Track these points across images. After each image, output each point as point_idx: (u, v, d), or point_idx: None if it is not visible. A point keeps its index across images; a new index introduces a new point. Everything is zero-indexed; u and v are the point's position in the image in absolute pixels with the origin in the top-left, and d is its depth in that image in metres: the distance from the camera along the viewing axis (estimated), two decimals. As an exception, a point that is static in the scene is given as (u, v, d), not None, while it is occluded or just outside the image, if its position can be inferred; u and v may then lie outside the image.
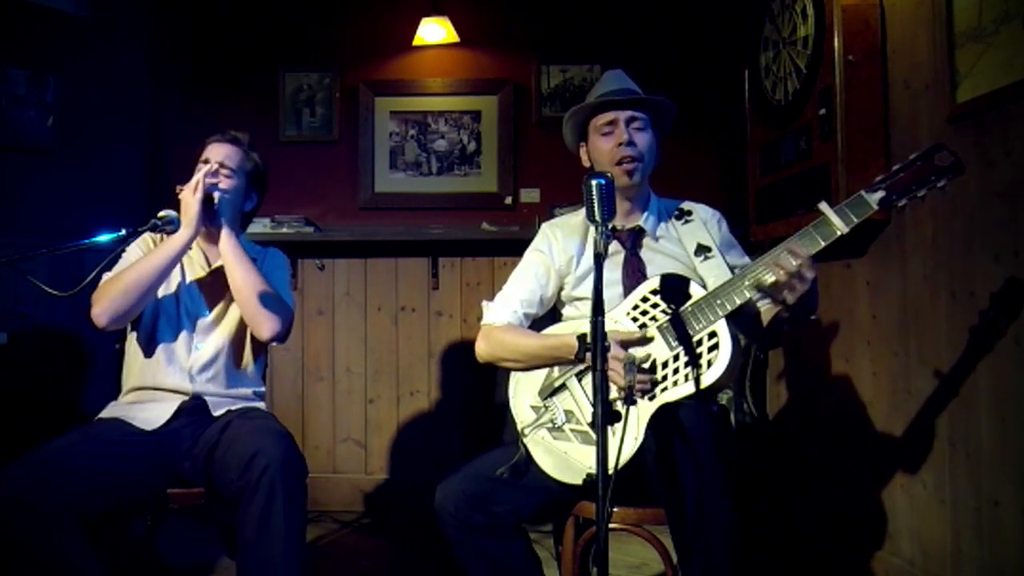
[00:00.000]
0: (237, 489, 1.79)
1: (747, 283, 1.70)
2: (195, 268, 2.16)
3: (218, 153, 2.14)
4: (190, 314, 2.12)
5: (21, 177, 3.04)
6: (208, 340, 2.10)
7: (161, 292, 2.10)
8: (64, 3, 3.16)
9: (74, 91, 3.18)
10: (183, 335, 2.09)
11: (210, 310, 2.13)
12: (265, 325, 2.03)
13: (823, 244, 1.65)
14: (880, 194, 1.62)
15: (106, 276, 2.03)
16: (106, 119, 3.31)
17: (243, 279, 2.04)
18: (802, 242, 1.66)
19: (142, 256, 2.07)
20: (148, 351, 2.08)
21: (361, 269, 3.58)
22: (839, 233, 1.64)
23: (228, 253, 2.06)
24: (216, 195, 2.06)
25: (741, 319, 1.78)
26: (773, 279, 1.66)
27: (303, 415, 3.55)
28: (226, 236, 2.07)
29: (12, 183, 3.01)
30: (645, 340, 1.76)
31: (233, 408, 2.05)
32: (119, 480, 1.83)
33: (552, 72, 3.61)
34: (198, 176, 2.05)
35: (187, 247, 2.04)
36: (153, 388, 2.05)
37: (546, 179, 3.59)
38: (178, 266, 2.12)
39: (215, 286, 2.13)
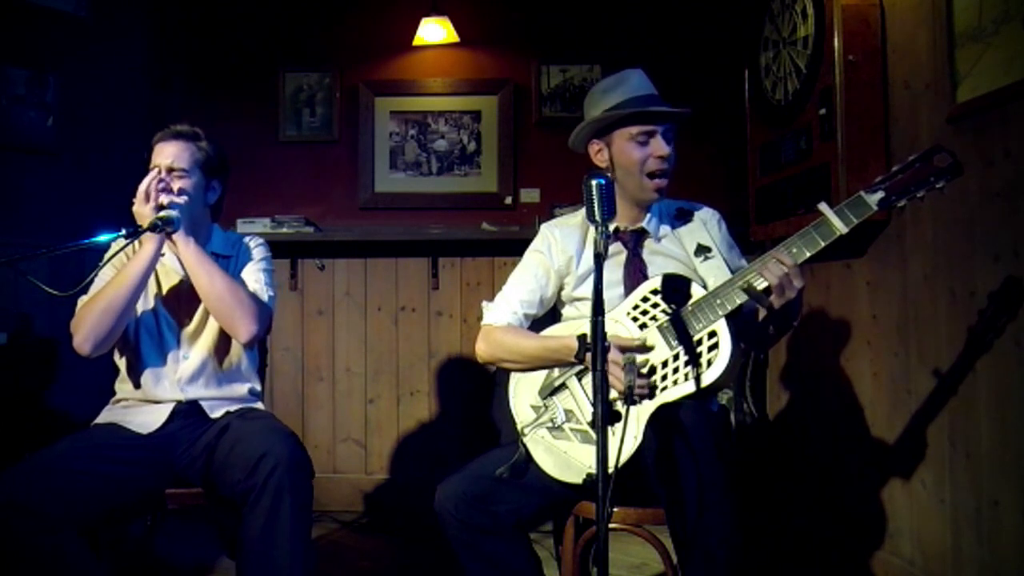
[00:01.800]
0: (243, 490, 1.77)
1: (737, 287, 1.70)
2: (170, 276, 2.09)
3: (165, 154, 2.03)
4: (171, 325, 2.06)
5: (21, 177, 3.04)
6: (194, 349, 2.05)
7: (139, 307, 2.04)
8: (64, 3, 3.16)
9: (74, 91, 3.18)
10: (168, 347, 2.05)
11: (191, 318, 2.07)
12: (240, 328, 1.96)
13: (823, 244, 1.66)
14: (879, 195, 1.63)
15: (81, 300, 1.98)
16: (106, 119, 3.31)
17: (208, 285, 1.95)
18: (802, 242, 1.67)
19: (114, 275, 1.98)
20: (135, 367, 2.04)
21: (361, 269, 3.58)
22: (838, 233, 1.64)
23: (189, 260, 1.97)
24: (167, 204, 1.95)
25: (740, 319, 1.78)
26: (764, 284, 1.67)
27: (303, 415, 3.55)
28: (183, 243, 1.96)
29: (12, 183, 3.01)
30: (645, 348, 1.76)
31: (232, 410, 2.03)
32: (117, 483, 1.82)
33: (552, 72, 3.61)
34: (146, 184, 1.95)
35: (154, 260, 1.96)
36: (143, 400, 2.03)
37: (546, 179, 3.59)
38: (152, 277, 2.06)
39: (193, 292, 2.04)
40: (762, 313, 1.87)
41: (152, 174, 1.99)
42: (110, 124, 3.32)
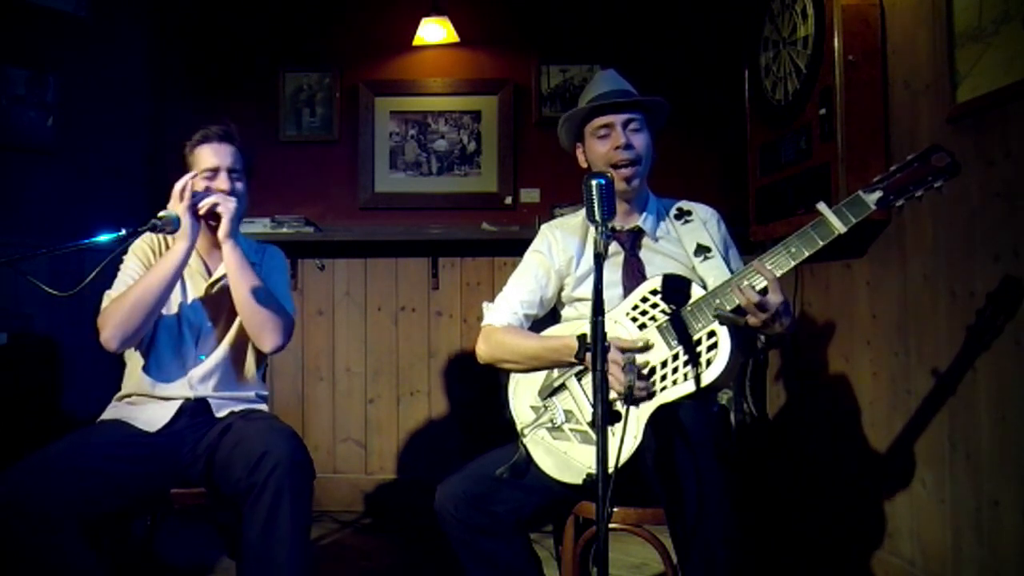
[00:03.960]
0: (245, 488, 1.77)
1: (712, 309, 1.69)
2: (195, 279, 2.10)
3: (221, 156, 2.03)
4: (192, 327, 2.07)
5: (21, 177, 3.04)
6: (211, 352, 2.07)
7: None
8: (64, 3, 3.16)
9: (74, 91, 3.18)
10: (185, 347, 2.06)
11: (212, 322, 2.08)
12: (268, 338, 1.99)
13: (821, 244, 1.66)
14: (878, 194, 1.63)
15: (108, 295, 1.99)
16: (106, 119, 3.31)
17: (247, 293, 1.97)
18: (800, 242, 1.67)
19: (142, 272, 2.00)
20: (149, 363, 2.05)
21: (361, 269, 3.58)
22: (837, 233, 1.64)
23: (233, 267, 1.99)
24: (222, 210, 1.97)
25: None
26: (736, 304, 1.66)
27: (303, 415, 3.55)
28: (229, 250, 1.99)
29: (12, 183, 3.01)
30: (645, 348, 1.76)
31: (236, 410, 2.04)
32: (121, 482, 1.82)
33: (552, 72, 3.61)
34: (185, 181, 1.95)
35: (186, 259, 1.97)
36: (151, 396, 2.03)
37: (546, 179, 3.59)
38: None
39: (217, 297, 2.06)
40: None
41: (192, 178, 1.97)
42: (110, 124, 3.32)
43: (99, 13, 3.27)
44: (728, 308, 1.69)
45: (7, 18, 3.02)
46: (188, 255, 1.97)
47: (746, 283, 1.66)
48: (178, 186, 1.95)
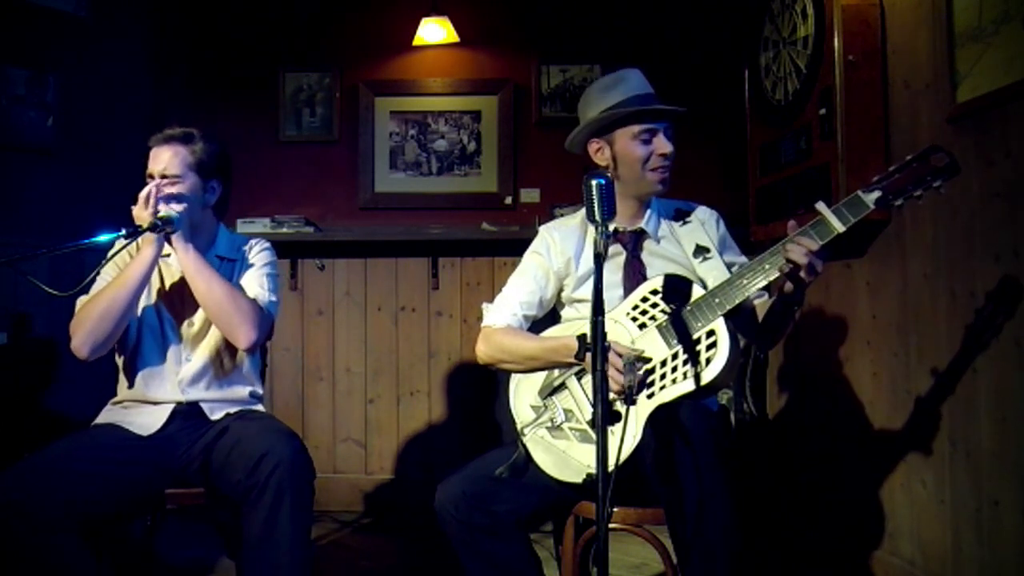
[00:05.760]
0: (244, 489, 1.77)
1: (770, 267, 1.68)
2: (175, 276, 2.07)
3: (158, 161, 2.01)
4: (175, 326, 2.05)
5: (21, 177, 3.04)
6: (197, 350, 2.04)
7: (142, 304, 2.02)
8: (64, 3, 3.16)
9: (74, 91, 3.18)
10: (170, 347, 2.04)
11: (195, 319, 2.06)
12: (239, 335, 1.95)
13: (820, 243, 1.66)
14: (876, 194, 1.63)
15: (80, 301, 1.97)
16: (106, 119, 3.31)
17: (207, 292, 1.94)
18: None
19: (114, 277, 1.97)
20: (136, 367, 2.03)
21: (361, 269, 3.58)
22: (836, 232, 1.64)
23: (187, 267, 1.96)
24: (163, 212, 1.93)
25: (740, 318, 1.78)
26: (793, 262, 1.65)
27: (303, 415, 3.55)
28: (181, 250, 1.95)
29: (12, 183, 3.01)
30: (642, 360, 1.74)
31: (231, 412, 2.03)
32: (117, 484, 1.82)
33: (552, 72, 3.61)
34: (148, 189, 1.94)
35: (153, 263, 1.95)
36: (143, 401, 2.02)
37: (546, 179, 3.59)
38: (156, 276, 2.05)
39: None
40: (761, 313, 1.87)
41: (153, 184, 1.97)
42: (110, 124, 3.32)
43: (99, 13, 3.26)
44: (728, 307, 1.69)
45: (7, 18, 3.01)
46: (155, 259, 1.95)
47: (802, 242, 1.65)
48: (142, 195, 1.94)
